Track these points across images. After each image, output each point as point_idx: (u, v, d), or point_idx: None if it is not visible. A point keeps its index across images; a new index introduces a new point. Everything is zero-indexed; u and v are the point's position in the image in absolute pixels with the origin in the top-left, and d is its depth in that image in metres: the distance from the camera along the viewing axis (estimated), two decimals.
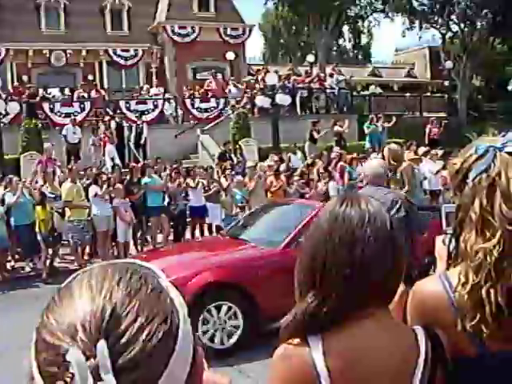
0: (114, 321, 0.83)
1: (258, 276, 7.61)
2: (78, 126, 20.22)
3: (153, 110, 23.40)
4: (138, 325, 0.84)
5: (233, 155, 18.85)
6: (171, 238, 14.58)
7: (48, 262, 12.76)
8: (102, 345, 0.80)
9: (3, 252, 12.70)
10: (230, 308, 7.43)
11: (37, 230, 12.45)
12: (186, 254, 8.92)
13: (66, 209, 12.82)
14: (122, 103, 23.41)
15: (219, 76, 27.13)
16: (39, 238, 12.46)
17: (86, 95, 23.83)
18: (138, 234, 14.55)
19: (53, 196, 13.08)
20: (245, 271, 7.69)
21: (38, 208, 12.56)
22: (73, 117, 20.57)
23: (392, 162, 8.04)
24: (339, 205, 1.64)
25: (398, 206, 5.24)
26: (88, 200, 13.05)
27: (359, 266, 1.54)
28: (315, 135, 20.72)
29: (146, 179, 14.01)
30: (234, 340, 7.46)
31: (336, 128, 21.53)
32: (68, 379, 0.79)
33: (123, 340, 0.82)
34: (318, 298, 1.56)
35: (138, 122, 20.98)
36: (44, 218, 12.51)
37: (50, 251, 12.79)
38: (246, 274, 7.60)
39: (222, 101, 24.71)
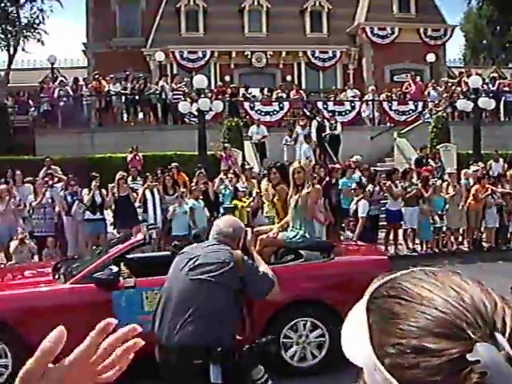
0: (492, 313, 0.80)
1: None
2: (262, 126, 20.96)
3: (350, 112, 23.43)
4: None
5: (430, 160, 18.27)
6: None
7: None
8: (500, 336, 0.77)
9: None
10: None
11: None
12: None
13: (265, 205, 13.12)
14: (319, 104, 23.69)
15: (418, 78, 26.46)
16: None
17: (284, 95, 24.41)
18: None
19: (244, 191, 13.51)
20: None
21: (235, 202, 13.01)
22: (267, 116, 21.27)
23: None
24: None
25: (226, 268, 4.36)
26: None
27: None
28: None
29: (343, 180, 14.01)
30: None
31: None
32: (477, 380, 0.75)
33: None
34: None
35: (332, 122, 21.06)
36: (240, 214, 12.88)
37: None
38: None
39: (420, 104, 24.14)
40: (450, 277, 0.84)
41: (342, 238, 13.99)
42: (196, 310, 4.21)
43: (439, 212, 14.41)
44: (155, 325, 4.35)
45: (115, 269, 6.86)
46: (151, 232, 8.09)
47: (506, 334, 0.77)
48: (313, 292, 7.22)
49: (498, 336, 0.76)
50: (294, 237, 7.66)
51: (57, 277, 7.38)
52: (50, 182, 13.73)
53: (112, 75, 24.07)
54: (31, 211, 13.08)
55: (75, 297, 6.77)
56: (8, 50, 30.99)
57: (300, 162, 8.01)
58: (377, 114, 24.42)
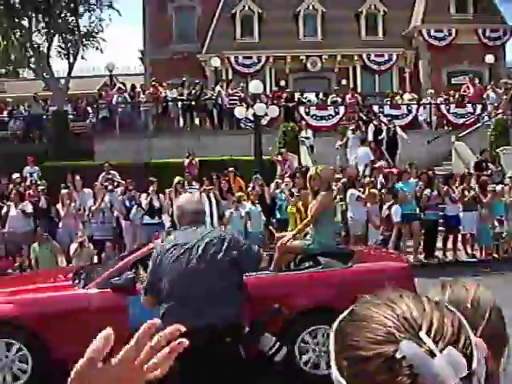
0: (419, 319, 0.98)
1: None
2: (310, 130, 21.14)
3: (406, 115, 23.14)
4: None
5: (490, 164, 17.87)
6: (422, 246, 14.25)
7: None
8: (423, 334, 0.94)
9: None
10: None
11: None
12: None
13: None
14: (375, 108, 23.48)
15: (476, 80, 25.96)
16: None
17: (339, 99, 24.30)
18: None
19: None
20: None
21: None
22: (322, 121, 21.28)
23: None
24: None
25: (226, 244, 4.61)
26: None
27: None
28: None
29: (400, 184, 13.84)
30: None
31: None
32: (407, 372, 0.91)
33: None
34: None
35: (390, 126, 20.82)
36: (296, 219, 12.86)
37: None
38: None
39: (478, 106, 23.65)
40: (390, 296, 1.04)
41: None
42: (210, 291, 4.46)
43: (499, 217, 14.08)
44: (174, 315, 4.33)
45: (131, 274, 6.95)
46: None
47: (432, 332, 0.94)
48: (330, 299, 7.01)
49: (421, 334, 0.93)
50: (312, 243, 7.60)
51: (76, 282, 7.48)
52: (110, 187, 13.99)
53: (168, 81, 24.41)
54: (90, 215, 13.35)
55: (92, 301, 6.84)
56: (68, 59, 31.74)
57: (317, 168, 7.92)
58: (434, 118, 24.04)
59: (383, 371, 0.92)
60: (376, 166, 16.14)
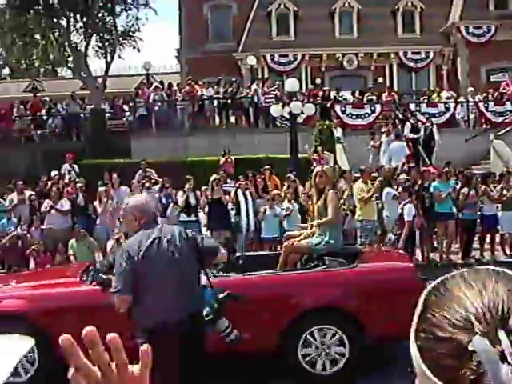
0: (507, 314, 0.91)
1: None
2: (340, 128, 20.99)
3: (444, 113, 22.87)
4: None
5: None
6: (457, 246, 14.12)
7: None
8: (503, 334, 0.88)
9: None
10: None
11: None
12: None
13: (357, 208, 13.01)
14: (412, 106, 23.27)
15: None
16: None
17: (375, 98, 24.13)
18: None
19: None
20: None
21: None
22: (358, 119, 21.10)
23: None
24: None
25: (189, 235, 4.96)
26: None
27: None
28: None
29: (435, 184, 13.69)
30: None
31: None
32: (473, 367, 0.88)
33: None
34: None
35: (428, 124, 20.59)
36: None
37: None
38: None
39: None
40: (484, 278, 0.97)
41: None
42: (189, 282, 4.82)
43: None
44: (159, 305, 4.64)
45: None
46: None
47: None
48: (333, 300, 7.09)
49: (500, 332, 0.88)
50: (319, 243, 7.61)
51: (84, 278, 7.58)
52: (147, 185, 14.10)
53: (204, 80, 24.52)
54: None
55: (96, 298, 6.81)
56: (105, 58, 32.09)
57: (323, 167, 7.95)
58: (472, 116, 23.71)
59: (451, 356, 0.90)
60: (412, 165, 15.99)
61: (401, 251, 9.59)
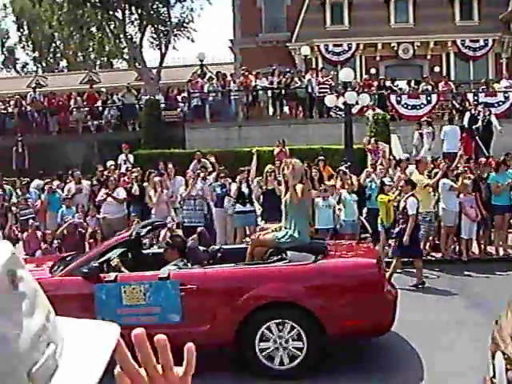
0: None
1: None
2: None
3: (503, 103, 22.26)
4: None
5: None
6: None
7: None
8: None
9: None
10: None
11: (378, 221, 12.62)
12: None
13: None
14: (469, 96, 22.72)
15: None
16: (379, 228, 12.65)
17: (430, 88, 23.64)
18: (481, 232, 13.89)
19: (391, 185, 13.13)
20: None
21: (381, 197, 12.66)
22: (413, 110, 20.75)
23: None
24: None
25: None
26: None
27: None
28: None
29: (492, 175, 13.33)
30: None
31: None
32: None
33: None
34: None
35: (486, 114, 20.09)
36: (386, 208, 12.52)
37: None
38: None
39: None
40: None
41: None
42: None
43: None
44: None
45: (96, 264, 7.22)
46: (140, 230, 8.23)
47: None
48: (291, 294, 7.04)
49: None
50: (283, 237, 7.54)
51: (54, 269, 7.67)
52: (202, 175, 14.14)
53: (258, 70, 24.46)
54: (182, 202, 13.56)
55: (62, 288, 6.96)
56: (160, 49, 32.39)
57: (292, 160, 7.87)
58: None
59: None
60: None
61: (371, 246, 9.28)
